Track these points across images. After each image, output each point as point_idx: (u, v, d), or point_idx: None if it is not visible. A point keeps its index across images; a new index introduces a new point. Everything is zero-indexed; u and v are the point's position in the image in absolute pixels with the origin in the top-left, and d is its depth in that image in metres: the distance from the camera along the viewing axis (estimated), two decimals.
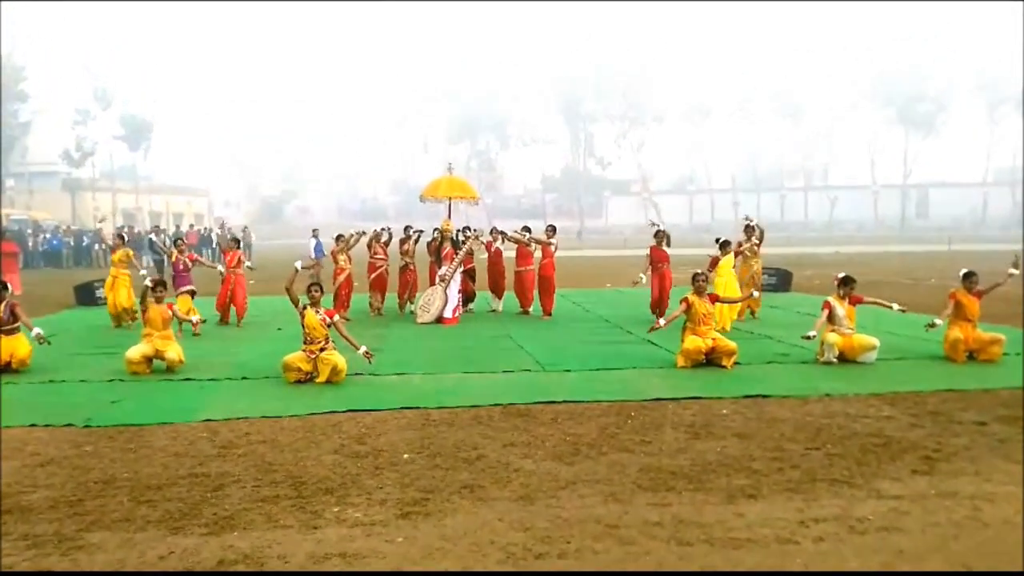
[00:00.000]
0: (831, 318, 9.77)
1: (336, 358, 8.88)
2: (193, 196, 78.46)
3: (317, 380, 8.85)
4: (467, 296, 15.21)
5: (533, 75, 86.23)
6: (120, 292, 14.08)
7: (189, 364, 9.76)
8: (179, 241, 14.93)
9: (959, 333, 9.75)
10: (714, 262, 13.09)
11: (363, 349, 9.13)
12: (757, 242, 14.12)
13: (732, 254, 13.27)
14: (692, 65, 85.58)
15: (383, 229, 15.74)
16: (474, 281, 15.73)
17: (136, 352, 9.45)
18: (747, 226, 14.42)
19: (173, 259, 14.14)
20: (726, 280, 12.88)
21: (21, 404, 7.98)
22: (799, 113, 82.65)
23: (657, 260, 13.64)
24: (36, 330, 9.62)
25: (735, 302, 9.59)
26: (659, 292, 13.45)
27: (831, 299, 9.93)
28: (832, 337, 9.67)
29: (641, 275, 13.38)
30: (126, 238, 16.59)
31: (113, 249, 14.90)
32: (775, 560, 4.22)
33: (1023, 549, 3.67)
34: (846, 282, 9.93)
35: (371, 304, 15.28)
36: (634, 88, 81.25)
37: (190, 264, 14.09)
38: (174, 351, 9.58)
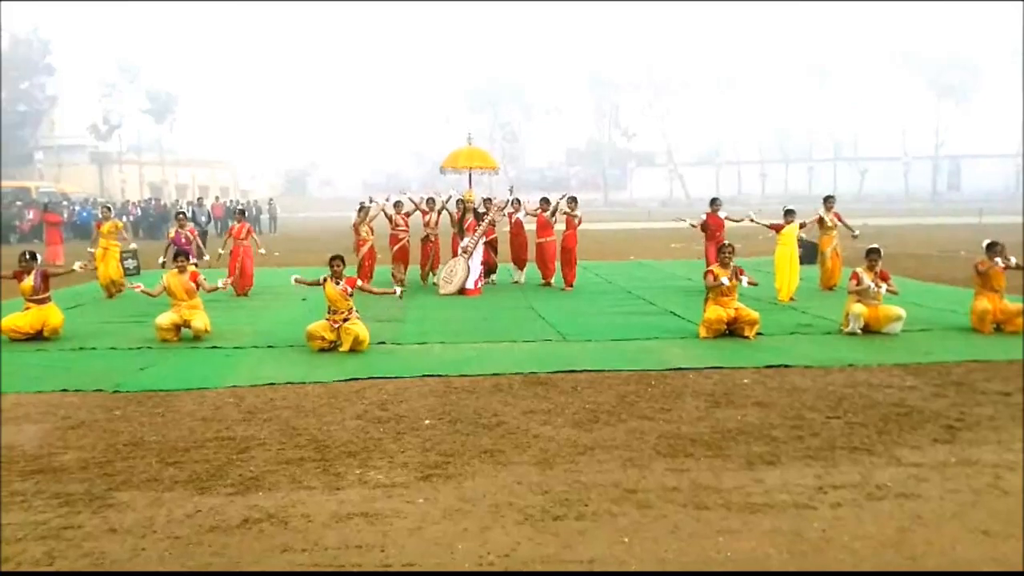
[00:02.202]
0: (858, 289, 9.69)
1: (359, 328, 8.98)
2: (218, 169, 79.02)
3: (340, 349, 8.95)
4: (489, 268, 15.24)
5: (556, 43, 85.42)
6: (110, 264, 14.32)
7: (215, 333, 9.92)
8: (179, 216, 15.39)
9: (986, 304, 9.63)
10: (777, 228, 13.04)
11: (397, 291, 9.89)
12: (832, 216, 13.85)
13: (797, 224, 13.10)
14: (718, 32, 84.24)
15: (406, 197, 15.67)
16: (496, 253, 15.75)
17: (166, 319, 9.63)
18: (826, 197, 14.27)
19: (173, 234, 14.41)
20: (790, 250, 12.84)
21: (53, 370, 8.17)
22: (827, 81, 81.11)
23: (714, 227, 13.95)
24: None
25: (752, 281, 9.56)
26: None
27: (859, 270, 9.84)
28: (857, 308, 9.59)
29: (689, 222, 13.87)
30: (113, 210, 16.95)
31: (101, 222, 15.09)
32: (792, 523, 4.24)
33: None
34: (873, 253, 9.82)
35: (394, 275, 15.35)
36: (659, 56, 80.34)
37: (191, 237, 14.47)
38: (200, 320, 9.73)
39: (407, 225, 15.38)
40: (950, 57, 73.99)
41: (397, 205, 15.33)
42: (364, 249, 14.66)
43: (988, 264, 9.67)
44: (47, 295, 9.98)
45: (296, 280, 9.85)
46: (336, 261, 9.27)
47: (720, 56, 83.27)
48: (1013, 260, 9.70)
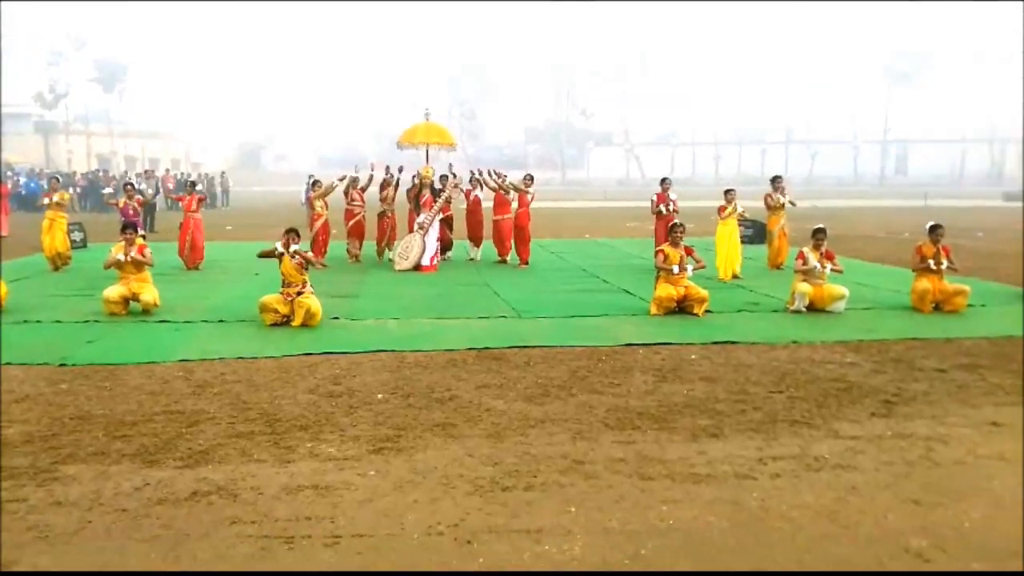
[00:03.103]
0: (804, 268, 9.92)
1: (311, 301, 8.93)
2: (169, 141, 77.18)
3: (293, 323, 8.90)
4: (445, 244, 15.23)
5: (517, 23, 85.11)
6: (56, 235, 14.01)
7: (165, 306, 9.78)
8: (127, 187, 15.21)
9: (926, 284, 9.94)
10: (721, 209, 13.24)
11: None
12: (783, 195, 13.99)
13: (735, 204, 13.26)
14: (675, 18, 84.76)
15: (361, 171, 15.51)
16: (452, 230, 15.73)
17: (114, 292, 9.46)
18: (774, 177, 14.41)
19: (122, 205, 14.15)
20: (730, 230, 13.05)
21: None
22: (781, 65, 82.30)
23: (661, 204, 14.12)
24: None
25: (699, 263, 9.74)
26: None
27: (805, 249, 10.07)
28: (803, 287, 9.82)
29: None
30: (61, 180, 16.61)
31: (50, 192, 14.75)
32: (733, 493, 4.38)
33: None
34: (819, 233, 10.06)
35: (348, 251, 15.25)
36: (617, 42, 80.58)
37: (139, 208, 14.34)
38: (149, 293, 9.58)
39: (363, 200, 15.25)
40: (902, 46, 75.57)
41: (354, 181, 15.19)
42: (318, 224, 14.53)
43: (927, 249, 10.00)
44: None
45: (261, 255, 9.56)
46: (292, 235, 9.18)
47: (677, 41, 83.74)
48: (944, 264, 10.01)
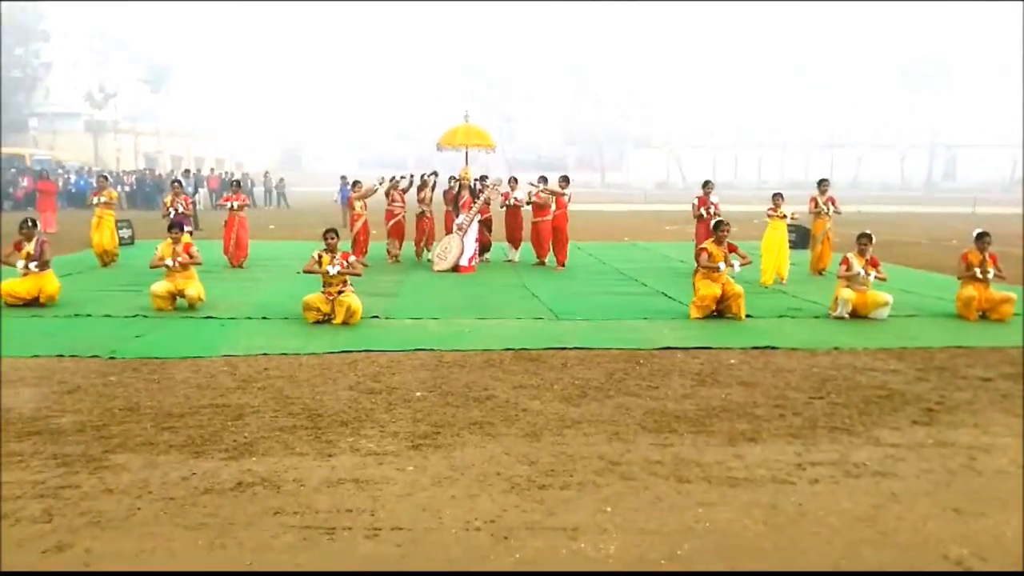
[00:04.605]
0: (848, 274, 9.80)
1: (352, 300, 9.07)
2: (213, 140, 78.55)
3: (334, 321, 9.04)
4: (484, 246, 15.32)
5: (555, 23, 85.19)
6: (104, 233, 14.38)
7: (209, 303, 10.01)
8: (175, 184, 15.41)
9: (972, 291, 9.77)
10: (772, 210, 13.15)
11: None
12: (831, 206, 13.83)
13: (782, 207, 13.14)
14: (705, 29, 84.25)
15: (401, 177, 15.72)
16: (491, 231, 15.82)
17: (161, 287, 9.71)
18: (820, 181, 14.25)
19: (170, 203, 14.40)
20: (780, 234, 12.96)
21: (49, 336, 8.26)
22: (815, 76, 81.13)
23: (703, 207, 14.16)
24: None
25: (744, 259, 9.67)
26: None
27: (850, 255, 9.95)
28: (846, 293, 9.71)
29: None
30: (109, 179, 17.01)
31: (98, 191, 15.13)
32: (770, 497, 4.37)
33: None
34: (864, 239, 9.94)
35: (388, 251, 15.43)
36: (658, 44, 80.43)
37: (188, 206, 14.65)
38: (194, 288, 9.81)
39: (403, 201, 15.43)
40: (922, 53, 74.62)
41: (395, 182, 15.37)
42: (358, 224, 14.71)
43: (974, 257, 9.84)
44: (46, 262, 10.03)
45: (305, 271, 9.66)
46: (330, 234, 9.33)
47: (718, 43, 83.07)
48: (991, 272, 9.84)
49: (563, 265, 14.63)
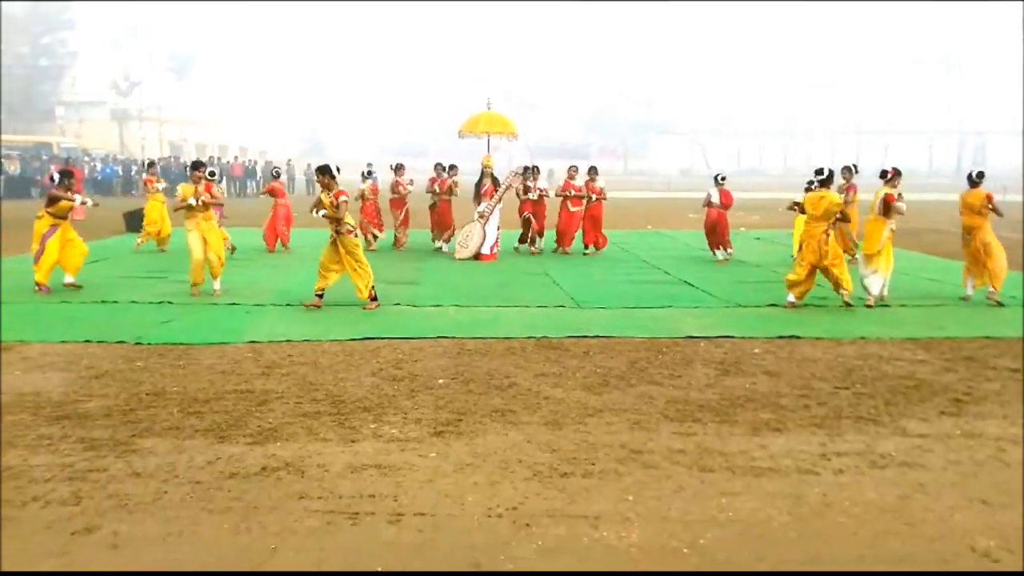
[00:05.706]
0: (886, 210, 9.85)
1: (357, 250, 9.29)
2: (237, 129, 78.98)
3: (358, 296, 9.18)
4: (535, 234, 15.25)
5: (577, 11, 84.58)
6: (164, 224, 14.81)
7: (234, 290, 10.11)
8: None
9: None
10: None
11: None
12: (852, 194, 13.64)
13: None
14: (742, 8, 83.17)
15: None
16: (543, 219, 15.61)
17: (196, 245, 9.94)
18: (844, 167, 13.94)
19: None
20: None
21: (76, 321, 8.37)
22: (852, 56, 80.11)
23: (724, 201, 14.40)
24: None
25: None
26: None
27: (886, 190, 9.96)
28: (872, 280, 9.74)
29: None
30: (157, 166, 17.59)
31: (150, 178, 15.58)
32: (794, 487, 4.34)
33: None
34: (891, 174, 10.03)
35: (396, 237, 15.59)
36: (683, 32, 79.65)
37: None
38: (216, 244, 10.10)
39: (406, 189, 15.57)
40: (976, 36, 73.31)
41: (399, 169, 15.66)
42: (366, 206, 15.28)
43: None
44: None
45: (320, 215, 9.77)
46: (324, 175, 9.35)
47: (745, 31, 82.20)
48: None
49: (599, 249, 15.08)
